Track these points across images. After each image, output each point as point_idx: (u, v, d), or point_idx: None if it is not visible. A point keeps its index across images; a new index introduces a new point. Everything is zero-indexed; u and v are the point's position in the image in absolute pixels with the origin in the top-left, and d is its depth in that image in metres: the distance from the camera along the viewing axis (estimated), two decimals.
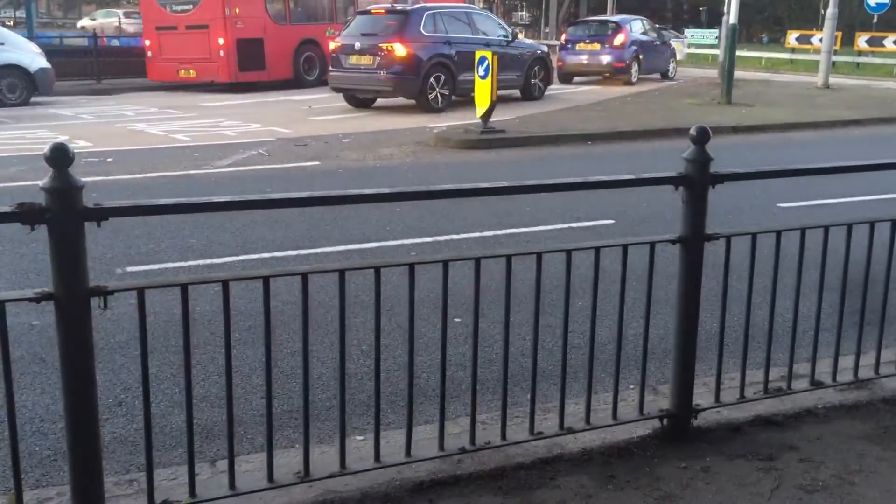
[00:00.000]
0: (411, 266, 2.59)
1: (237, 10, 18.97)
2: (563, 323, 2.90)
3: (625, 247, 2.92)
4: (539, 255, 2.78)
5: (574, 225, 6.74)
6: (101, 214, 2.08)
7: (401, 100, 15.45)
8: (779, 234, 3.13)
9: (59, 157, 2.03)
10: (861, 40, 29.66)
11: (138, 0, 26.10)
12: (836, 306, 3.42)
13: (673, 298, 3.03)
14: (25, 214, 2.00)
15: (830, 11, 20.22)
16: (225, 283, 2.33)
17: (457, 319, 4.31)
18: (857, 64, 29.30)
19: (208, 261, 5.67)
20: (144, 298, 2.26)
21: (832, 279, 3.31)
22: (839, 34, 25.51)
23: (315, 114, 15.07)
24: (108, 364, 3.92)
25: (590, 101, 17.16)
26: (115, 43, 27.07)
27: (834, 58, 22.80)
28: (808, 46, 31.21)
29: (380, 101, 15.95)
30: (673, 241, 2.94)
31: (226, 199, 2.29)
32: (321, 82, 18.70)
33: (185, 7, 20.50)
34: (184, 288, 2.29)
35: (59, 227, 2.03)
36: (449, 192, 2.73)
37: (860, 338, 3.47)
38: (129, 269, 5.42)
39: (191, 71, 19.41)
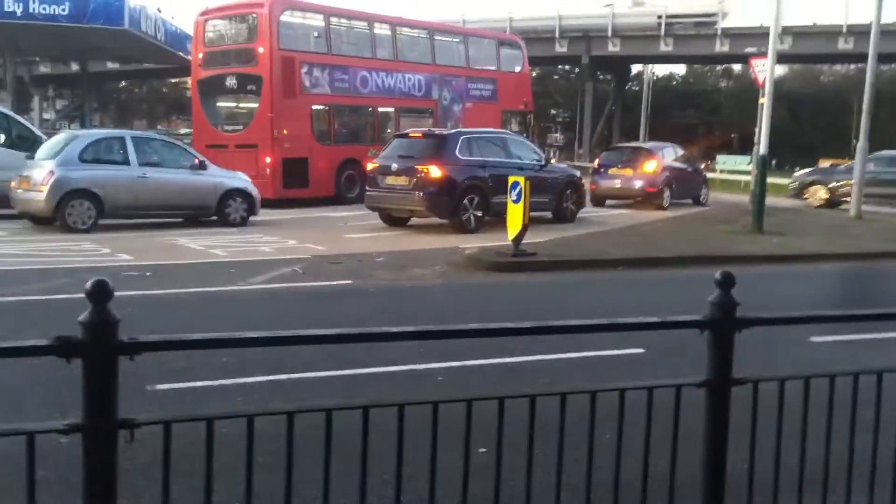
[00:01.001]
0: (435, 405, 2.61)
1: (285, 132, 19.79)
2: (588, 461, 2.87)
3: (650, 389, 2.91)
4: (563, 396, 2.78)
5: (602, 353, 6.70)
6: (136, 349, 2.14)
7: (434, 219, 15.74)
8: (807, 379, 3.11)
9: (99, 292, 2.11)
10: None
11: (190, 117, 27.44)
12: (869, 453, 3.34)
13: (701, 435, 3.00)
14: (61, 348, 2.07)
15: (861, 144, 20.47)
16: (250, 419, 2.36)
17: (481, 450, 4.26)
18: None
19: (239, 380, 5.72)
20: (171, 431, 2.29)
21: (864, 423, 3.25)
22: None
23: (350, 231, 15.39)
24: (129, 486, 3.92)
25: (621, 225, 17.34)
26: None
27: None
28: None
29: (414, 220, 16.27)
30: (699, 385, 2.93)
31: (255, 335, 2.35)
32: (360, 199, 19.22)
33: (236, 127, 21.54)
34: (209, 422, 2.32)
35: (94, 361, 2.10)
36: (472, 332, 2.78)
37: (894, 486, 3.37)
38: (159, 386, 5.47)
39: None
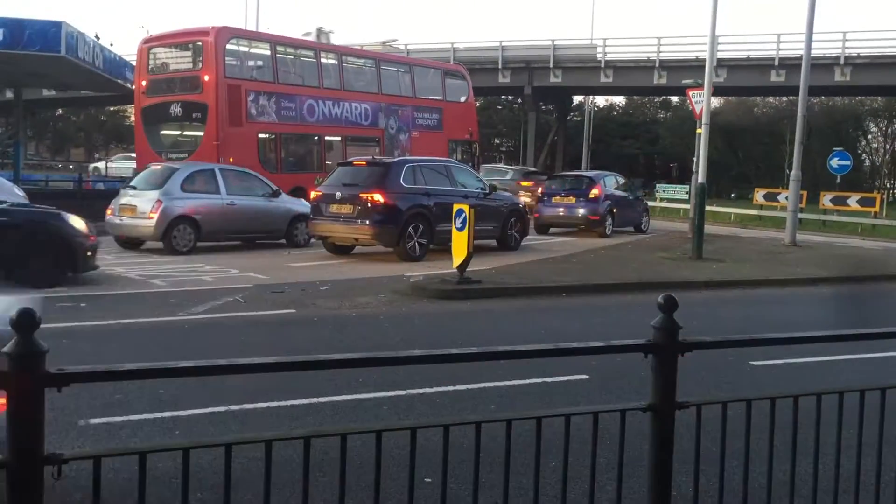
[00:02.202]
0: (378, 433, 2.55)
1: (231, 160, 19.60)
2: (534, 488, 2.83)
3: (595, 414, 2.90)
4: (509, 422, 2.75)
5: (548, 379, 6.70)
6: (63, 381, 2.05)
7: (379, 247, 15.68)
8: (749, 402, 3.13)
9: (26, 321, 2.02)
10: (826, 199, 30.86)
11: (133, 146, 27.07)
12: (810, 472, 3.38)
13: (647, 460, 2.99)
14: None
15: (794, 173, 21.10)
16: (185, 452, 2.27)
17: (427, 479, 4.20)
18: (824, 222, 30.33)
19: (175, 413, 5.55)
20: (100, 467, 2.19)
21: (805, 444, 3.29)
22: (804, 193, 26.58)
23: (294, 259, 15.22)
24: None
25: (565, 252, 17.50)
26: (101, 186, 27.57)
27: (800, 215, 23.62)
28: (775, 204, 32.38)
29: (358, 249, 16.18)
30: (643, 409, 2.93)
31: (190, 364, 2.26)
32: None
33: (181, 155, 21.30)
34: (142, 456, 2.22)
35: (18, 393, 2.00)
36: (420, 359, 2.73)
37: None
38: (93, 420, 5.28)
39: None
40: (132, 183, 16.86)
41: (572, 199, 22.19)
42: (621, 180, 24.63)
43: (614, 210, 22.40)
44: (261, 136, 22.03)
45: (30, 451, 2.02)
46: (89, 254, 11.55)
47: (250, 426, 5.37)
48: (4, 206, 11.55)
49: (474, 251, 11.92)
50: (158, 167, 17.41)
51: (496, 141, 65.76)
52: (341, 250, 16.10)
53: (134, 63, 25.56)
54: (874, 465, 3.42)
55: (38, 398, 2.02)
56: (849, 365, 7.47)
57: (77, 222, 11.74)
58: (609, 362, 7.08)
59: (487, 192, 17.19)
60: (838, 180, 28.92)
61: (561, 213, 22.38)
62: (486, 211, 16.15)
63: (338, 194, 15.36)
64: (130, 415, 5.43)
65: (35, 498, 2.10)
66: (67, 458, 2.10)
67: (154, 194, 15.69)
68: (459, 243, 11.70)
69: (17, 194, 16.65)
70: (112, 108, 63.27)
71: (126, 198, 16.04)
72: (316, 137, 23.64)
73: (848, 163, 28.81)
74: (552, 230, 22.65)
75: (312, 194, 16.12)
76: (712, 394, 5.93)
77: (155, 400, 5.78)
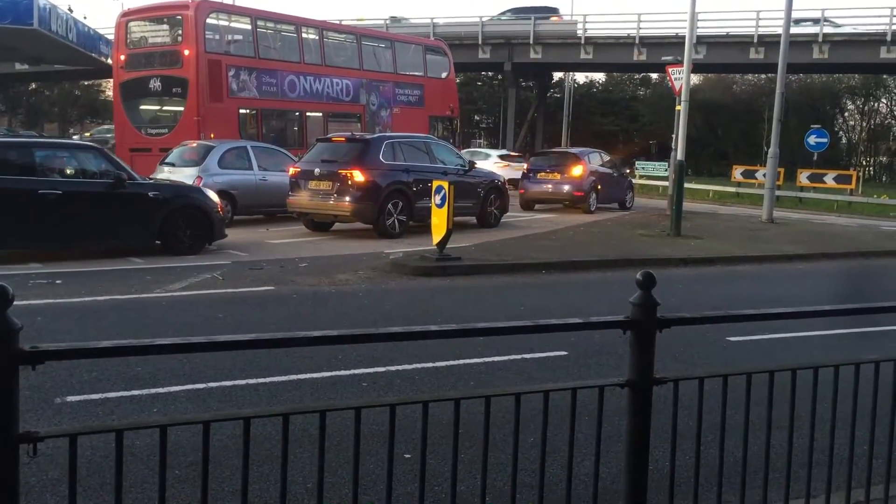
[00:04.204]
0: (358, 410, 2.54)
1: (212, 136, 19.42)
2: (513, 462, 2.85)
3: (574, 390, 2.92)
4: (488, 399, 2.76)
5: (527, 356, 6.73)
6: (37, 358, 2.02)
7: (358, 224, 15.63)
8: (725, 378, 3.16)
9: None
10: (803, 176, 31.07)
11: (108, 121, 26.78)
12: (784, 447, 3.42)
13: (624, 436, 3.01)
14: None
15: (772, 150, 21.21)
16: (163, 429, 2.26)
17: (406, 455, 4.22)
18: (800, 199, 30.57)
19: (153, 390, 5.52)
20: (77, 445, 2.17)
21: (780, 419, 3.33)
22: (782, 170, 26.75)
23: (272, 236, 15.14)
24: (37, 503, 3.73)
25: (545, 229, 17.53)
26: None
27: (778, 192, 23.79)
28: (753, 181, 32.57)
29: (337, 226, 16.12)
30: (622, 385, 2.95)
31: (167, 341, 2.25)
32: None
33: (161, 130, 21.13)
34: (119, 434, 2.21)
35: None
36: (399, 335, 2.73)
37: (809, 479, 3.46)
38: (70, 398, 5.24)
39: None
40: (168, 160, 17.24)
41: (557, 176, 22.21)
42: (606, 157, 24.67)
43: (598, 186, 22.46)
44: (242, 111, 21.87)
45: (4, 429, 2.00)
46: (222, 224, 12.95)
47: (229, 403, 5.35)
48: (150, 181, 13.04)
49: (454, 228, 11.90)
50: (193, 144, 17.72)
51: (476, 118, 65.53)
52: (320, 227, 16.03)
53: (109, 37, 25.21)
54: (847, 439, 3.47)
55: (12, 375, 1.99)
56: (825, 340, 7.55)
57: (213, 195, 13.12)
58: (588, 339, 7.12)
59: (467, 168, 17.16)
60: (815, 157, 29.11)
61: (546, 189, 22.41)
62: (466, 187, 16.12)
63: (316, 170, 15.27)
64: (108, 392, 5.40)
65: (10, 476, 2.08)
66: (43, 435, 2.08)
67: (193, 171, 16.06)
68: (439, 220, 11.68)
69: None
70: (86, 83, 62.32)
71: (163, 174, 16.15)
72: (297, 113, 23.51)
73: (825, 140, 28.98)
74: (536, 207, 22.69)
75: (291, 170, 16.00)
76: (689, 370, 5.98)
77: (132, 377, 5.75)
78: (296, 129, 23.67)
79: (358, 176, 14.83)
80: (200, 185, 15.26)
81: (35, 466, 3.98)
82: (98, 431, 2.38)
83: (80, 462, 2.24)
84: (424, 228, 13.76)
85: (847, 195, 30.05)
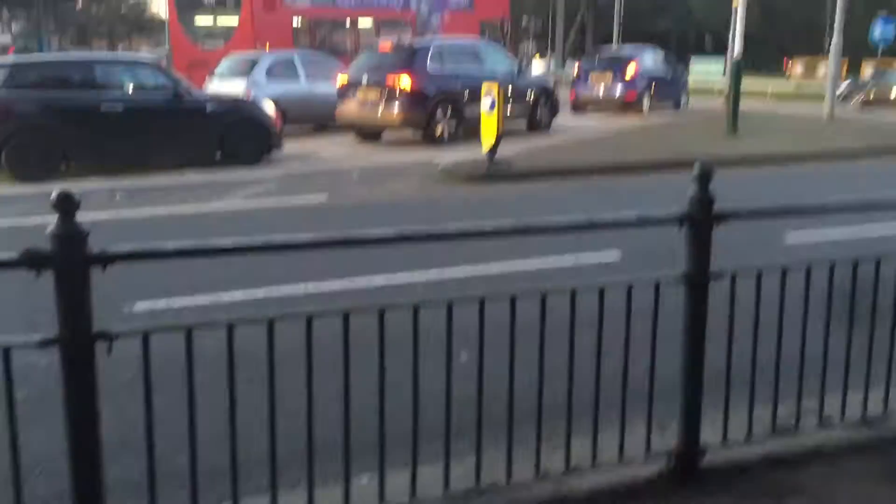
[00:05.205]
0: (415, 308, 2.59)
1: (266, 46, 19.43)
2: (569, 360, 2.89)
3: (629, 287, 2.92)
4: (543, 296, 2.78)
5: (581, 258, 6.73)
6: (107, 260, 2.10)
7: (408, 133, 15.55)
8: (784, 271, 3.13)
9: (66, 203, 2.05)
10: (867, 70, 29.77)
11: (155, 36, 26.97)
12: (843, 343, 3.40)
13: (680, 334, 3.03)
14: (30, 260, 2.02)
15: (835, 41, 20.28)
16: (230, 327, 2.34)
17: (462, 359, 4.30)
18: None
19: (217, 296, 5.69)
20: (149, 342, 2.27)
21: (840, 315, 3.30)
22: (845, 63, 25.62)
23: (323, 148, 15.19)
24: (113, 403, 3.91)
25: (597, 133, 17.24)
26: None
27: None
28: (812, 79, 31.33)
29: (387, 135, 16.07)
30: (678, 281, 2.94)
31: (229, 243, 2.31)
32: None
33: (217, 43, 21.27)
34: (188, 332, 2.30)
35: (65, 272, 2.05)
36: (453, 235, 2.75)
37: (868, 374, 3.45)
38: (137, 306, 5.44)
39: None
40: (217, 71, 17.40)
41: (609, 78, 21.63)
42: (659, 56, 23.87)
43: (653, 87, 21.85)
44: (295, 21, 21.81)
45: (81, 329, 2.10)
46: (278, 136, 13.15)
47: (289, 308, 5.49)
48: (208, 95, 13.48)
49: (504, 133, 11.78)
50: (240, 56, 17.76)
51: (524, 22, 63.83)
52: (370, 137, 16.01)
53: None
54: None
55: (85, 277, 2.07)
56: (889, 238, 7.39)
57: (269, 107, 13.25)
58: (641, 240, 7.06)
59: (517, 72, 16.83)
60: (879, 52, 27.78)
61: (597, 92, 21.89)
62: (516, 92, 15.85)
63: (364, 80, 15.14)
64: (174, 297, 5.58)
65: (89, 375, 2.19)
66: (117, 333, 2.17)
67: (242, 82, 16.22)
68: (489, 125, 11.56)
69: None
70: (132, 0, 62.19)
71: (212, 87, 16.42)
72: (349, 21, 23.33)
73: (892, 32, 27.57)
74: (589, 109, 22.24)
75: (338, 81, 15.90)
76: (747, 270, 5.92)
77: (197, 284, 5.93)
78: (349, 37, 23.54)
79: (406, 84, 14.68)
80: (250, 97, 15.35)
81: (109, 369, 4.17)
82: (169, 329, 2.49)
83: (152, 364, 2.34)
84: (475, 135, 13.66)
85: None
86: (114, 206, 9.28)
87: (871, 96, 26.02)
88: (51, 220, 2.11)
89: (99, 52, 24.22)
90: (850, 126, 18.99)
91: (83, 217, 2.12)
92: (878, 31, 27.25)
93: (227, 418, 2.47)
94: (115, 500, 3.11)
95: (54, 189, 2.13)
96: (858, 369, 3.47)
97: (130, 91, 11.91)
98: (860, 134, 17.18)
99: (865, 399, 3.48)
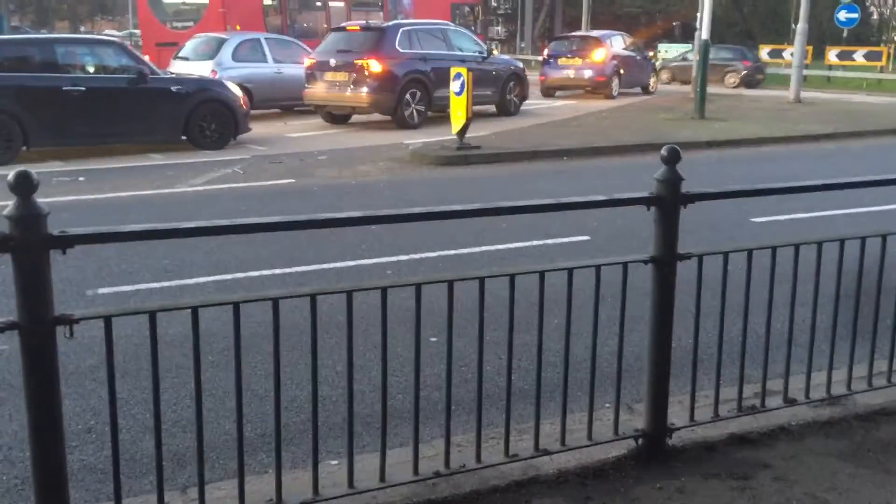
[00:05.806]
0: (384, 290, 2.57)
1: (238, 27, 19.18)
2: (538, 342, 2.89)
3: (598, 267, 2.93)
4: (512, 277, 2.78)
5: (549, 241, 6.75)
6: (66, 242, 2.05)
7: (376, 116, 15.45)
8: (750, 252, 3.15)
9: (23, 184, 2.00)
10: (831, 54, 30.13)
11: (119, 17, 26.57)
12: (808, 322, 3.44)
13: (648, 315, 3.04)
14: None
15: (801, 27, 20.49)
16: (194, 310, 2.30)
17: (432, 339, 4.29)
18: (829, 78, 29.74)
19: (181, 281, 5.62)
20: (112, 326, 2.23)
21: (804, 295, 3.33)
22: (810, 48, 25.90)
23: (290, 130, 15.04)
24: (77, 389, 3.87)
25: (566, 116, 17.26)
26: None
27: (805, 72, 23.15)
28: (779, 61, 31.63)
29: (356, 117, 15.96)
30: (645, 262, 2.95)
31: (193, 224, 2.26)
32: None
33: (187, 24, 20.93)
34: (152, 316, 2.25)
35: (23, 255, 2.00)
36: (422, 216, 2.73)
37: (832, 354, 3.49)
38: (101, 290, 5.36)
39: None
40: (181, 54, 16.98)
41: (578, 61, 21.64)
42: (628, 40, 23.94)
43: (621, 71, 21.91)
44: (266, 2, 21.51)
45: (39, 313, 2.05)
46: (245, 118, 12.88)
47: (257, 292, 5.44)
48: (173, 75, 13.02)
49: (473, 116, 11.74)
50: (205, 38, 17.41)
51: (493, 4, 63.62)
52: (338, 119, 15.88)
53: None
54: (871, 312, 3.48)
55: (44, 260, 2.02)
56: (853, 219, 7.50)
57: (235, 89, 12.97)
58: (609, 223, 7.11)
59: (486, 55, 16.78)
60: (845, 34, 28.13)
61: (566, 75, 21.89)
62: (485, 75, 15.80)
63: (332, 61, 14.99)
64: (137, 284, 5.50)
65: (49, 359, 2.14)
66: (78, 318, 2.12)
67: (208, 64, 15.80)
68: (458, 108, 11.52)
69: None
70: None
71: (177, 68, 15.93)
72: (320, 3, 23.06)
73: (856, 15, 27.91)
74: (558, 93, 22.26)
75: (306, 62, 15.72)
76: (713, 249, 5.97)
77: (160, 269, 5.85)
78: (321, 19, 23.28)
79: (374, 66, 14.56)
80: (216, 78, 15.05)
81: (72, 355, 4.10)
82: (132, 313, 2.44)
83: (115, 349, 2.29)
84: (443, 118, 13.59)
85: (877, 73, 29.16)
86: (76, 189, 9.12)
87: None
88: (9, 203, 2.06)
89: (61, 34, 23.76)
90: (816, 108, 19.22)
91: (44, 200, 2.07)
92: (843, 15, 27.58)
93: (194, 403, 2.43)
94: (79, 487, 3.07)
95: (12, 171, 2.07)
96: (823, 350, 3.52)
97: (93, 72, 11.68)
98: (825, 116, 17.39)
99: (829, 378, 3.52)
